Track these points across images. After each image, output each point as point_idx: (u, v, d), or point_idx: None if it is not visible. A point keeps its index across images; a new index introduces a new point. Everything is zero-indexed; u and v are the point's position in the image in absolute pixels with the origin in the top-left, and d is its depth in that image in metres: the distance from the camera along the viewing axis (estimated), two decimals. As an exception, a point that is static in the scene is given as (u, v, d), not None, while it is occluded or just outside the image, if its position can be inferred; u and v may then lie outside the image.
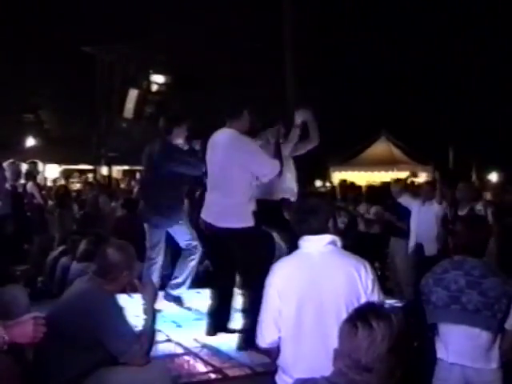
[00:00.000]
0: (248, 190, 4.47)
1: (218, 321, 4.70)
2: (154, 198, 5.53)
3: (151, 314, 3.30)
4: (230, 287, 4.79)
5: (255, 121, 5.36)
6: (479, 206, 6.55)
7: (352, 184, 11.19)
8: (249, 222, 4.44)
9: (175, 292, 5.66)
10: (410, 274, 7.15)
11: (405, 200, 7.43)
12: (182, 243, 5.63)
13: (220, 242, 4.63)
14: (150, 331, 3.26)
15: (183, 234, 5.62)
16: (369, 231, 8.02)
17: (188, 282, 5.70)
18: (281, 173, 4.59)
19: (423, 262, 6.59)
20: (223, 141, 4.55)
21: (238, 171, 4.41)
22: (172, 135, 5.49)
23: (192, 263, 5.64)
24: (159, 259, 5.71)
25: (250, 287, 4.43)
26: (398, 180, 8.54)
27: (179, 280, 5.64)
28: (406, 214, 7.52)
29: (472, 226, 3.47)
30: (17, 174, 8.27)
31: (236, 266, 4.69)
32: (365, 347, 1.89)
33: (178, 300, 5.64)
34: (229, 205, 4.45)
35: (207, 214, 4.66)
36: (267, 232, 4.72)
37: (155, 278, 5.82)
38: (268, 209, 4.92)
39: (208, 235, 4.82)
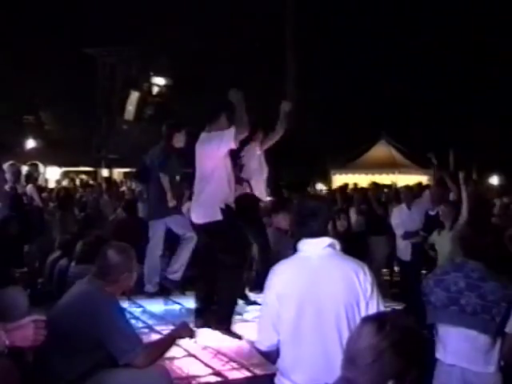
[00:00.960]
0: (218, 186, 4.76)
1: (206, 312, 4.94)
2: (157, 195, 6.03)
3: (173, 338, 3.38)
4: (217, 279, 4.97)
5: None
6: (443, 207, 6.68)
7: (343, 187, 11.38)
8: (217, 216, 4.72)
9: (172, 276, 6.05)
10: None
11: (395, 215, 7.76)
12: (179, 232, 6.04)
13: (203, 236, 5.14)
14: (164, 347, 3.31)
15: (179, 226, 6.05)
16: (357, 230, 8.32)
17: (182, 269, 6.07)
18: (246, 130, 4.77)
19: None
20: (198, 144, 4.95)
21: (208, 165, 4.76)
22: (173, 140, 6.02)
23: (186, 251, 6.01)
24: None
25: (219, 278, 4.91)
26: (376, 185, 9.03)
27: (175, 267, 6.04)
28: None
29: (475, 230, 3.48)
30: (17, 175, 8.26)
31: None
32: (352, 340, 1.95)
33: (174, 284, 6.03)
34: (201, 200, 4.83)
35: (191, 215, 5.10)
36: (235, 224, 4.96)
37: (156, 276, 6.04)
38: (243, 201, 5.35)
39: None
